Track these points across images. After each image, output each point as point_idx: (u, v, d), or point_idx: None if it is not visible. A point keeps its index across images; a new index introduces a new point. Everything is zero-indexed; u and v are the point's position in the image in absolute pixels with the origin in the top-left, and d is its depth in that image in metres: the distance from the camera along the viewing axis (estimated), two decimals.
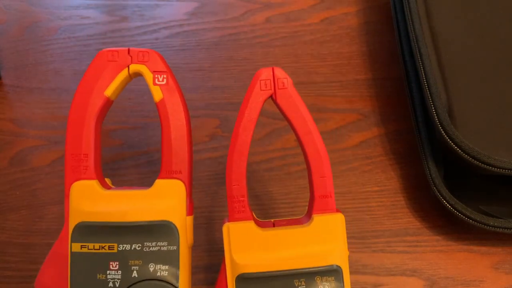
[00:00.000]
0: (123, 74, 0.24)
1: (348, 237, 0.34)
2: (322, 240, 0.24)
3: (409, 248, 0.33)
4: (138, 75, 0.25)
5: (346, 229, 0.34)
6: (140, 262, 0.23)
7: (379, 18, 0.43)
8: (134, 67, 0.24)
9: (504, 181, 0.33)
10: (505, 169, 0.30)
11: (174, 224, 0.23)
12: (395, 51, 0.41)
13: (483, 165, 0.30)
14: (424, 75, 0.32)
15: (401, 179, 0.36)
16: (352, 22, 0.43)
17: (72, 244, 0.23)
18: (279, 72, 0.24)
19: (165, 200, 0.23)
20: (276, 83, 0.24)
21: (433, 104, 0.31)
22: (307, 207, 0.26)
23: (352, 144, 0.37)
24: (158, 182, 0.24)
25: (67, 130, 0.24)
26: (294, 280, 0.23)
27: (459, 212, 0.31)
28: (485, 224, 0.31)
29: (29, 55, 0.41)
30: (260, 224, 0.25)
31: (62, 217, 0.34)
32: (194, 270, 0.32)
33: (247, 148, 0.24)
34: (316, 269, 0.23)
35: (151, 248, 0.23)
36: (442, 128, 0.31)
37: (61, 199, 0.34)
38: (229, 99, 0.39)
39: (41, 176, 0.35)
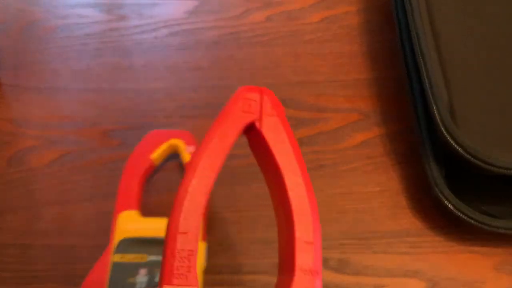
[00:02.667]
0: (165, 145, 0.34)
1: (349, 238, 0.34)
2: None
3: (411, 249, 0.33)
4: (176, 146, 0.34)
5: (347, 230, 0.34)
6: None
7: (380, 17, 0.43)
8: (173, 141, 0.34)
9: (506, 181, 0.33)
10: (507, 169, 0.29)
11: None
12: (396, 50, 0.41)
13: (485, 165, 0.29)
14: (426, 74, 0.32)
15: (403, 179, 0.36)
16: (353, 21, 0.43)
17: (114, 255, 0.30)
18: (270, 96, 0.19)
19: None
20: (264, 107, 0.19)
21: (434, 104, 0.31)
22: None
23: (353, 144, 0.37)
24: None
25: (121, 178, 0.33)
26: None
27: (461, 213, 0.31)
28: (486, 225, 0.31)
29: (27, 54, 0.40)
30: None
31: (60, 218, 0.34)
32: None
33: (215, 175, 0.17)
34: None
35: None
36: (443, 128, 0.30)
37: (60, 199, 0.34)
38: (229, 98, 0.38)
39: (39, 176, 0.35)
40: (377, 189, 0.35)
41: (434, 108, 0.31)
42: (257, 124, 0.19)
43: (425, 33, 0.34)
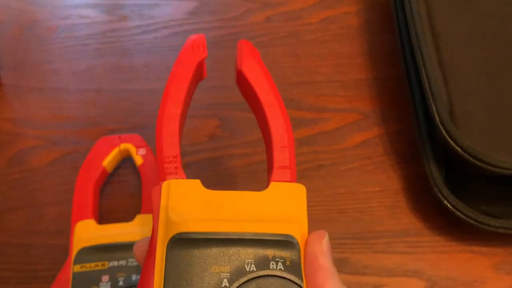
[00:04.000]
0: (115, 151, 0.34)
1: (348, 238, 0.34)
2: (279, 207, 0.20)
3: (410, 248, 0.33)
4: (127, 151, 0.35)
5: (347, 229, 0.34)
6: (125, 274, 0.29)
7: (380, 18, 0.43)
8: (123, 146, 0.35)
9: (505, 181, 0.33)
10: (506, 169, 0.29)
11: None
12: (395, 50, 0.41)
13: (484, 165, 0.29)
14: (425, 74, 0.32)
15: (402, 179, 0.36)
16: (353, 21, 0.43)
17: (74, 266, 0.29)
18: (247, 43, 0.24)
19: (145, 227, 0.31)
20: (244, 51, 0.23)
21: (434, 104, 0.31)
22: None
23: (353, 144, 0.37)
24: (139, 216, 0.31)
25: (75, 188, 0.32)
26: (240, 250, 0.18)
27: (460, 213, 0.31)
28: (486, 225, 0.31)
29: (28, 55, 0.41)
30: None
31: (60, 218, 0.34)
32: None
33: (181, 104, 0.21)
34: (269, 237, 0.19)
35: (133, 263, 0.29)
36: (443, 128, 0.30)
37: (60, 199, 0.34)
38: (229, 99, 0.39)
39: (40, 176, 0.35)
40: (377, 189, 0.35)
41: (434, 108, 0.31)
42: (238, 66, 0.23)
43: (424, 34, 0.34)
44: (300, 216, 0.20)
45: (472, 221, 0.31)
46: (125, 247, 0.30)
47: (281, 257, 0.18)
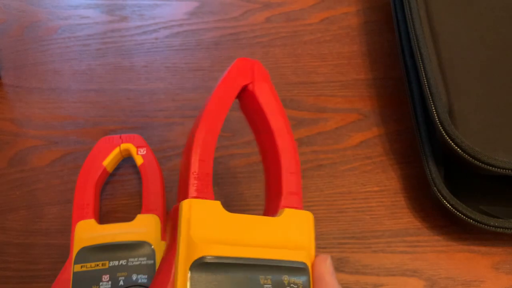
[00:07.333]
0: (116, 150, 0.34)
1: (348, 237, 0.34)
2: (291, 234, 0.22)
3: (410, 248, 0.33)
4: (128, 151, 0.34)
5: (346, 229, 0.34)
6: (126, 274, 0.29)
7: (379, 18, 0.43)
8: (124, 146, 0.34)
9: (504, 181, 0.33)
10: (505, 169, 0.30)
11: (151, 244, 0.30)
12: (395, 51, 0.41)
13: (483, 165, 0.30)
14: (425, 75, 0.32)
15: (402, 179, 0.36)
16: (352, 21, 0.43)
17: (75, 265, 0.29)
18: (260, 66, 0.24)
19: (145, 227, 0.31)
20: (256, 74, 0.24)
21: (433, 104, 0.31)
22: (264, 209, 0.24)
23: (352, 144, 0.37)
24: (140, 216, 0.32)
25: (76, 188, 0.32)
26: (260, 276, 0.20)
27: (460, 212, 0.31)
28: (485, 224, 0.31)
29: (28, 55, 0.41)
30: None
31: (61, 217, 0.34)
32: None
33: (220, 124, 0.22)
34: (285, 264, 0.20)
35: (134, 263, 0.30)
36: (442, 128, 0.30)
37: (61, 199, 0.34)
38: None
39: (40, 176, 0.35)
40: (376, 188, 0.35)
41: (433, 109, 0.31)
42: (250, 87, 0.24)
43: (424, 34, 0.34)
44: (310, 243, 0.22)
45: (471, 220, 0.31)
46: (126, 247, 0.30)
47: (295, 283, 0.20)
